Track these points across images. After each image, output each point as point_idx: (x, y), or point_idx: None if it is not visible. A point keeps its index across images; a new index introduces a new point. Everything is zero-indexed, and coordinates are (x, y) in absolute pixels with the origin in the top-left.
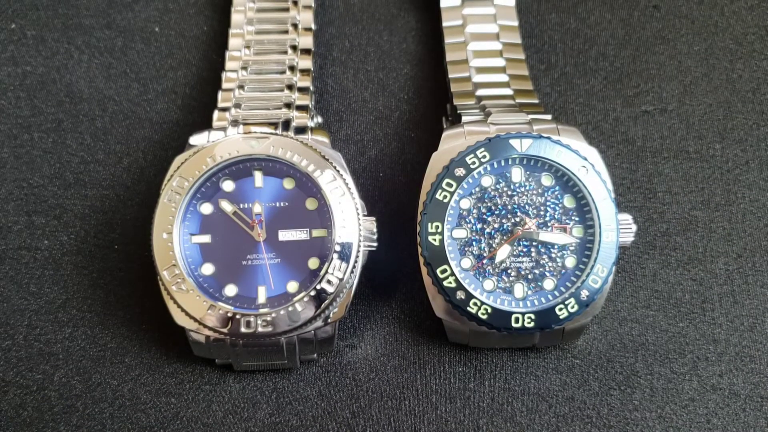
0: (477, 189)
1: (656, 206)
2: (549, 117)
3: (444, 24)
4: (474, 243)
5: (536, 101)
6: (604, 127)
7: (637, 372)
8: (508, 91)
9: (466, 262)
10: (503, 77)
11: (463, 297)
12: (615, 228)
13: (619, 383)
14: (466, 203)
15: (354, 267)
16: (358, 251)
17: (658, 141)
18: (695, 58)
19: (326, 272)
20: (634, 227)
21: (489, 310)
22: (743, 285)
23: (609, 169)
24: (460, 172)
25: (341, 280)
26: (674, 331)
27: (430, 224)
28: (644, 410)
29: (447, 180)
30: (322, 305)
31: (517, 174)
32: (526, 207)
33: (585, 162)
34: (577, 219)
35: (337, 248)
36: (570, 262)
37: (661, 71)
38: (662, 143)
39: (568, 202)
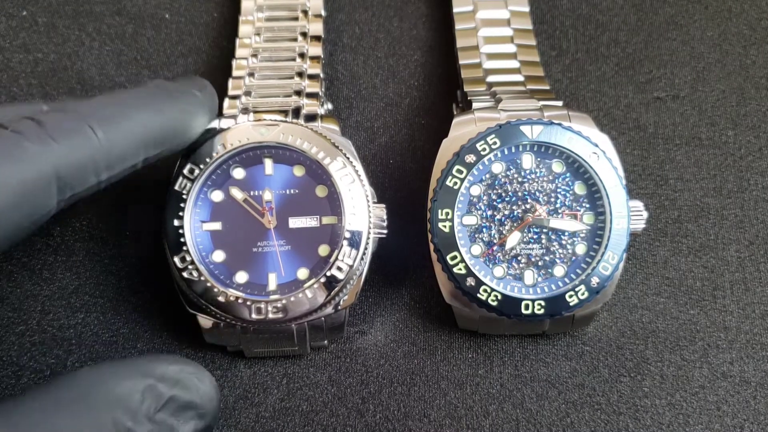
0: (487, 176)
1: (668, 193)
2: (560, 103)
3: (455, 10)
4: (484, 230)
5: (547, 87)
6: (615, 113)
7: (647, 359)
8: (519, 78)
9: (477, 249)
10: (514, 63)
11: (473, 284)
12: (626, 215)
13: (629, 370)
14: (476, 190)
15: (364, 254)
16: (368, 238)
17: (670, 128)
18: (708, 43)
19: (336, 259)
20: (645, 214)
21: (499, 297)
22: (755, 272)
23: (620, 156)
24: (470, 158)
25: (351, 266)
26: (685, 318)
27: (440, 211)
28: (654, 397)
29: (457, 166)
30: (333, 292)
31: (527, 161)
32: (537, 194)
33: (596, 149)
34: (587, 206)
35: (347, 235)
36: (580, 249)
37: (673, 57)
38: (674, 130)
39: (579, 188)
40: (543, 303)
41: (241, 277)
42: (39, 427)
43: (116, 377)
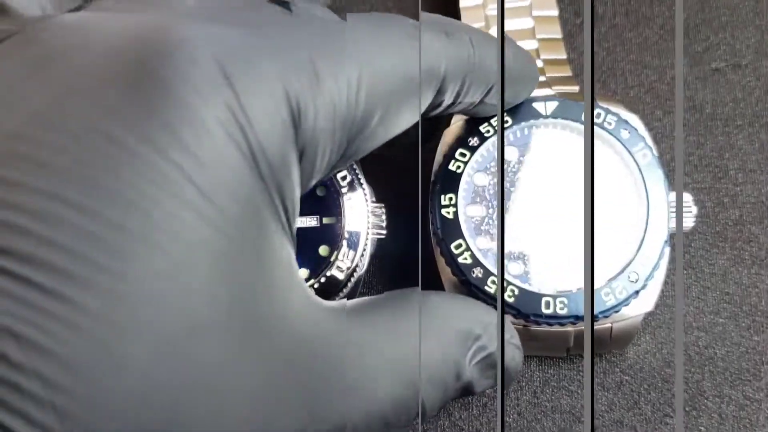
0: (493, 163)
1: (728, 187)
2: (576, 89)
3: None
4: (492, 221)
5: (569, 74)
6: (660, 89)
7: (703, 392)
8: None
9: (483, 242)
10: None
11: (480, 275)
12: (665, 198)
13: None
14: (482, 179)
15: (363, 254)
16: (367, 239)
17: (731, 105)
18: None
19: (336, 259)
20: (694, 209)
21: (516, 292)
22: None
23: (668, 142)
24: (474, 141)
25: (351, 267)
26: (748, 345)
27: (442, 196)
28: None
29: (460, 150)
30: (332, 292)
31: (542, 142)
32: (554, 180)
33: (626, 124)
34: (618, 191)
35: (347, 235)
36: (613, 240)
37: (733, 17)
38: (735, 108)
39: (606, 172)
40: (566, 301)
41: None
42: (394, 323)
43: (461, 314)
